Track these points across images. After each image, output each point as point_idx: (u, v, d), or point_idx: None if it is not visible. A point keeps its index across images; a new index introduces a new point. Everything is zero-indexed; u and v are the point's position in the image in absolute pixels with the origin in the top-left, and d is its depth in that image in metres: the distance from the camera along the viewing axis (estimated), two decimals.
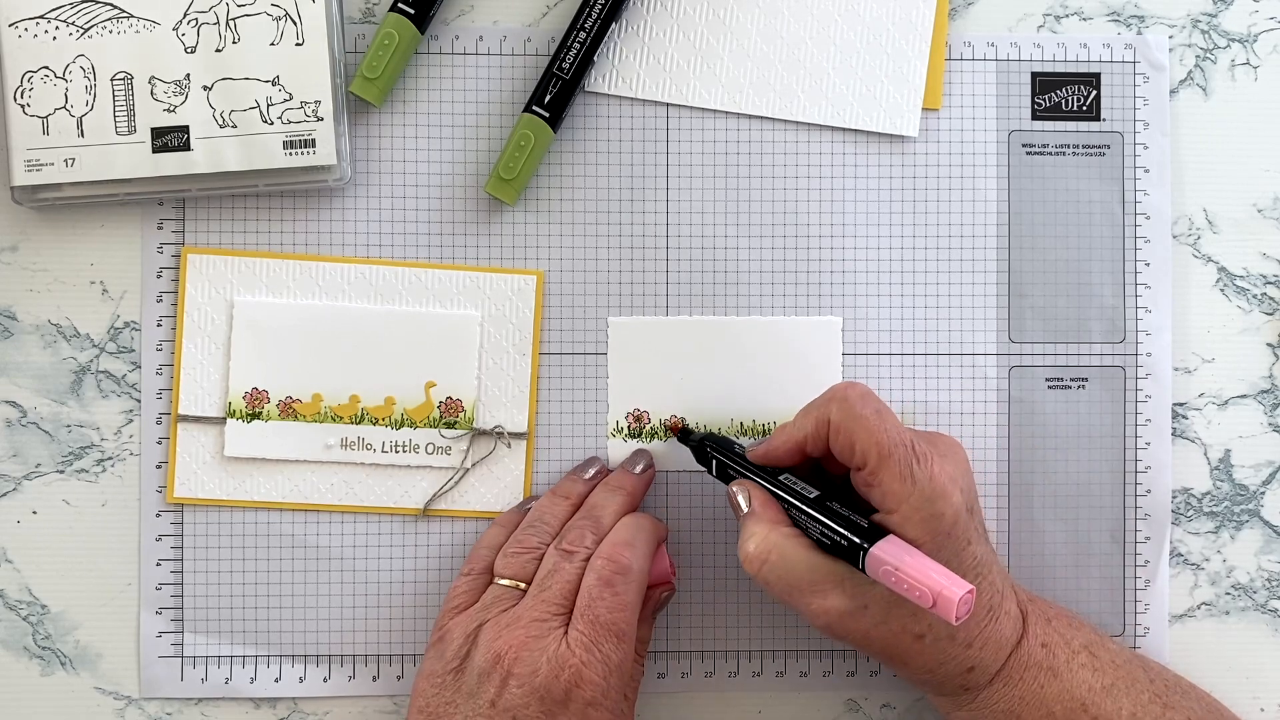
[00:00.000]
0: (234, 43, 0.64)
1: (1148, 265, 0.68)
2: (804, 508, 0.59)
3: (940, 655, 0.59)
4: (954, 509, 0.58)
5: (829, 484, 0.62)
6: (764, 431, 0.67)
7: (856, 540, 0.57)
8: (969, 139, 0.68)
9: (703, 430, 0.67)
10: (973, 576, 0.58)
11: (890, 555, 0.56)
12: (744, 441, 0.66)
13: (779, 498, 0.61)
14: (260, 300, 0.66)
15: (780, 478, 0.61)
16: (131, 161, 0.64)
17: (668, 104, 0.67)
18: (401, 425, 0.66)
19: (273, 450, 0.66)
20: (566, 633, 0.59)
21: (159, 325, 0.66)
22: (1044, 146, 0.68)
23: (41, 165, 0.64)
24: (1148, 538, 0.68)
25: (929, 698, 0.63)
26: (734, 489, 0.62)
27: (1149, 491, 0.68)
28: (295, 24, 0.64)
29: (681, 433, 0.66)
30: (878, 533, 0.57)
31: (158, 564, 0.66)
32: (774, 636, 0.68)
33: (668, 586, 0.65)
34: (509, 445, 0.67)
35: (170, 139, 0.64)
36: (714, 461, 0.64)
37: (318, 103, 0.64)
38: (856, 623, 0.58)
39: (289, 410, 0.66)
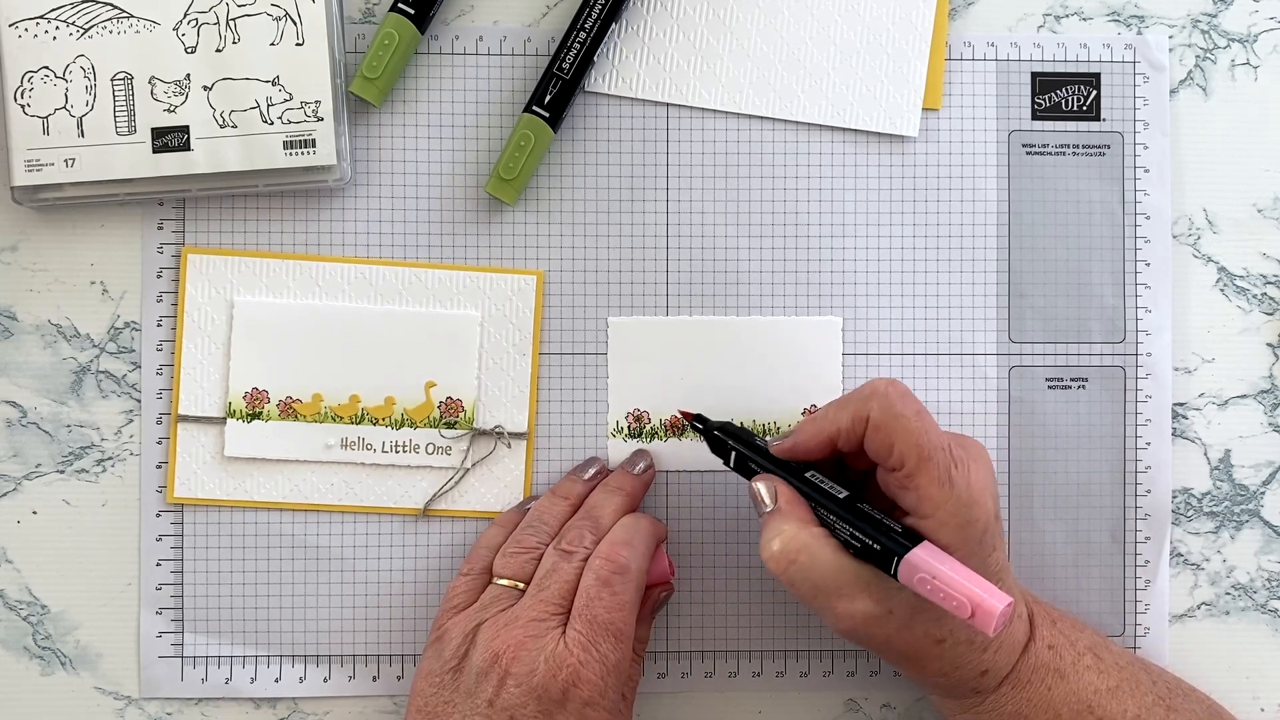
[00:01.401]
0: (234, 43, 0.64)
1: (1148, 265, 0.68)
2: (834, 508, 0.58)
3: (958, 659, 0.59)
4: (986, 516, 0.57)
5: (849, 482, 0.61)
6: (765, 431, 0.67)
7: (891, 546, 0.56)
8: (969, 139, 0.68)
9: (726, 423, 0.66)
10: (995, 582, 0.58)
11: (926, 564, 0.55)
12: (765, 438, 0.66)
13: (806, 495, 0.59)
14: (260, 300, 0.66)
15: (807, 475, 0.60)
16: (131, 161, 0.64)
17: (668, 104, 0.67)
18: (401, 425, 0.66)
19: (273, 450, 0.66)
20: (564, 632, 0.59)
21: (159, 325, 0.66)
22: (1044, 146, 0.68)
23: (41, 165, 0.64)
24: (1148, 538, 0.68)
25: (934, 701, 0.63)
26: (758, 484, 0.60)
27: (1149, 491, 0.68)
28: (295, 24, 0.64)
29: (696, 418, 0.65)
30: (911, 538, 0.56)
31: (158, 564, 0.66)
32: (774, 636, 0.68)
33: (666, 587, 0.64)
34: (509, 445, 0.67)
35: (170, 139, 0.64)
36: (733, 454, 0.63)
37: (318, 103, 0.64)
38: (881, 628, 0.58)
39: (289, 410, 0.66)
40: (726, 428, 0.64)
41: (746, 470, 0.62)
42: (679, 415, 0.66)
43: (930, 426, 0.57)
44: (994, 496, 0.59)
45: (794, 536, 0.57)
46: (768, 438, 0.63)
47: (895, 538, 0.56)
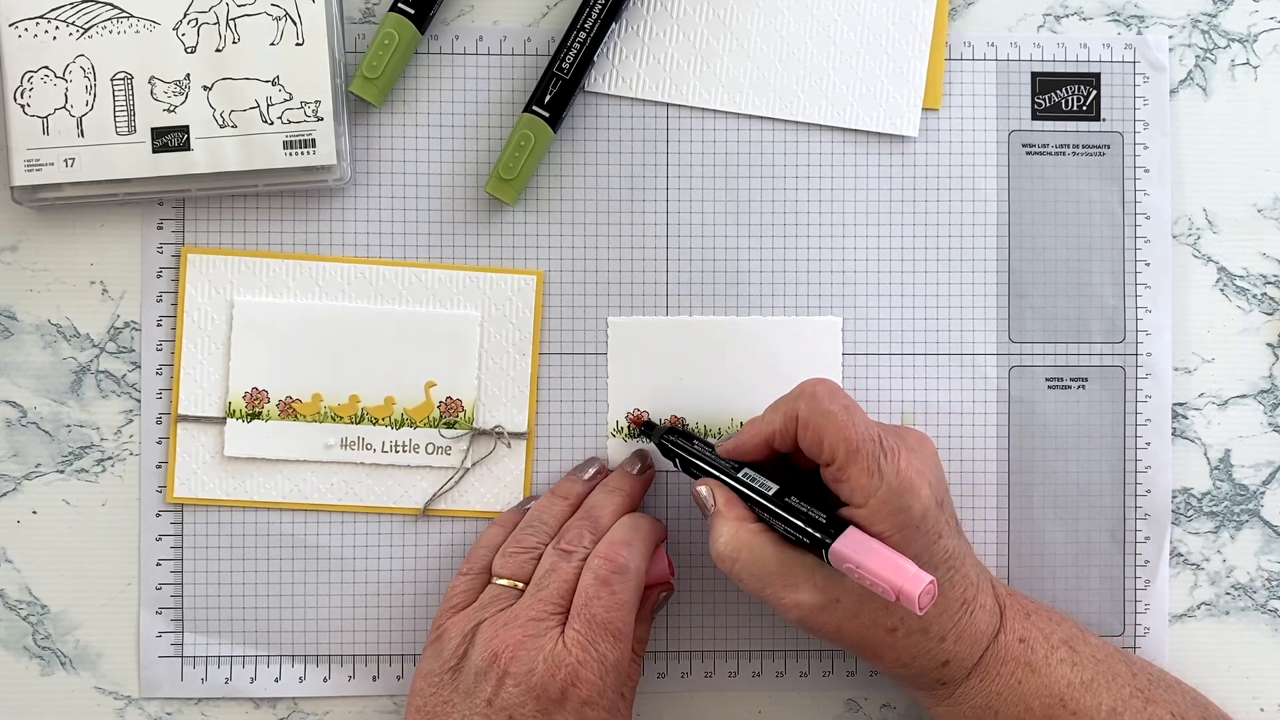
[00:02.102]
0: (234, 43, 0.64)
1: (1148, 265, 0.68)
2: (764, 504, 0.60)
3: (914, 649, 0.59)
4: (922, 503, 0.58)
5: (798, 478, 0.62)
6: None
7: (818, 536, 0.57)
8: (969, 139, 0.68)
9: (672, 426, 0.66)
10: (945, 570, 0.59)
11: (851, 551, 0.56)
12: (709, 439, 0.66)
13: (740, 494, 0.61)
14: (260, 300, 0.66)
15: (740, 474, 0.61)
16: (131, 161, 0.64)
17: (668, 104, 0.67)
18: (401, 425, 0.66)
19: (273, 450, 0.66)
20: (563, 632, 0.59)
21: (159, 325, 0.66)
22: (1044, 146, 0.68)
23: (41, 165, 0.64)
24: (1148, 538, 0.68)
25: (909, 692, 0.63)
26: (699, 488, 0.62)
27: (1149, 491, 0.68)
28: (295, 24, 0.64)
29: (645, 426, 0.66)
30: (839, 525, 0.57)
31: (158, 564, 0.66)
32: (774, 636, 0.68)
33: (666, 587, 0.65)
34: (509, 445, 0.67)
35: (170, 139, 0.64)
36: (677, 458, 0.64)
37: (318, 103, 0.64)
38: (829, 616, 0.58)
39: (289, 410, 0.66)
40: (670, 432, 0.65)
41: (694, 473, 0.63)
42: (632, 412, 0.67)
43: (859, 420, 0.58)
44: (933, 484, 0.59)
45: (734, 535, 0.59)
46: (710, 439, 0.65)
47: (821, 528, 0.57)
